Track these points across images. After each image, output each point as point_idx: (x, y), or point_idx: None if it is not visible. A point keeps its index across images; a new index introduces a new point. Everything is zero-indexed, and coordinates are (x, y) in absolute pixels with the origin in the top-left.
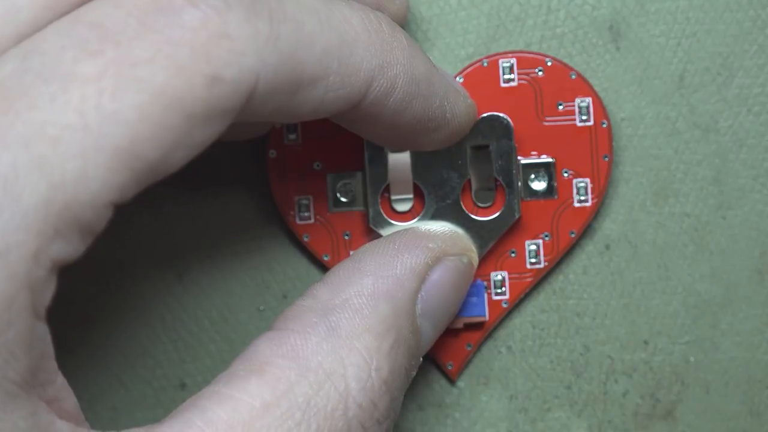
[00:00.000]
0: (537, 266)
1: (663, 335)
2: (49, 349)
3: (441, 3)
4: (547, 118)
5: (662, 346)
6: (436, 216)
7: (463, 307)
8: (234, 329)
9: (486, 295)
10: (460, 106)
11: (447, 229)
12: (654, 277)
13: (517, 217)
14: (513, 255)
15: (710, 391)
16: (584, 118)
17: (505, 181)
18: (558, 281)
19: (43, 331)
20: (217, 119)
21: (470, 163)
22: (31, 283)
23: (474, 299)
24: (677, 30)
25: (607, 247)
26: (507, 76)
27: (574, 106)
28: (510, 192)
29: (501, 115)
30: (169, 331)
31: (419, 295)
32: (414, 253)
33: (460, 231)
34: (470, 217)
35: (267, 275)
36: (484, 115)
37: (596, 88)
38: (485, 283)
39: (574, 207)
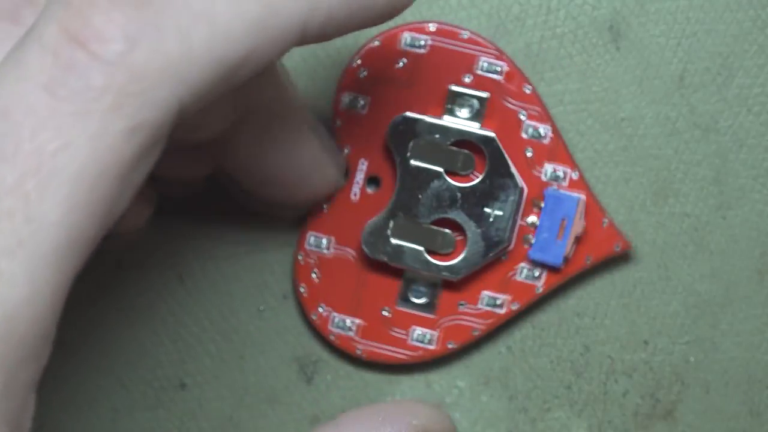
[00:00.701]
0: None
1: (663, 335)
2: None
3: (441, 3)
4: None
5: (662, 346)
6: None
7: (543, 248)
8: (234, 329)
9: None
10: (332, 166)
11: (431, 406)
12: (654, 277)
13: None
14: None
15: (710, 391)
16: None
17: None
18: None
19: None
20: (144, 161)
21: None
22: None
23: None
24: (677, 30)
25: None
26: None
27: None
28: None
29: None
30: (169, 331)
31: None
32: (397, 428)
33: (441, 410)
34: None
35: (267, 275)
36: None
37: (596, 88)
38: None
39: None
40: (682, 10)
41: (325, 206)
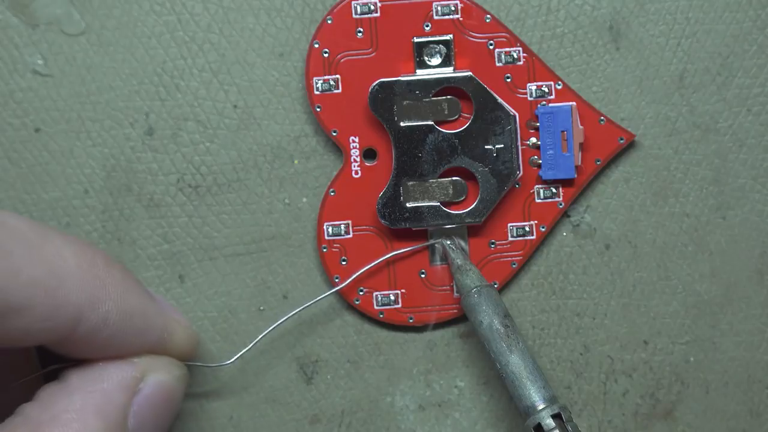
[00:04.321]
0: None
1: (663, 335)
2: None
3: None
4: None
5: (662, 346)
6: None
7: (553, 165)
8: (234, 329)
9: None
10: (180, 335)
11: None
12: (654, 277)
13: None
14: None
15: (710, 391)
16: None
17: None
18: (558, 281)
19: None
20: None
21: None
22: None
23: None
24: (677, 30)
25: (607, 247)
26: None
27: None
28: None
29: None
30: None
31: (131, 410)
32: (121, 366)
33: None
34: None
35: (267, 275)
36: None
37: (596, 89)
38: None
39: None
40: (682, 10)
41: (332, 191)
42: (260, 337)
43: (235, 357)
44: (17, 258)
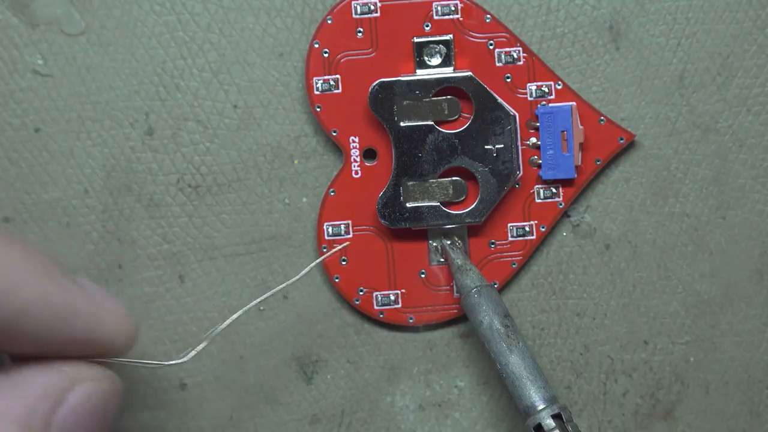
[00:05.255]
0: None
1: (663, 335)
2: None
3: None
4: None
5: (662, 346)
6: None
7: (553, 165)
8: (234, 329)
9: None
10: (112, 324)
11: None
12: (654, 277)
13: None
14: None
15: (710, 391)
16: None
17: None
18: (558, 281)
19: None
20: None
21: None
22: None
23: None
24: (677, 30)
25: (607, 247)
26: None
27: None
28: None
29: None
30: (169, 331)
31: (55, 418)
32: (47, 374)
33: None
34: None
35: (267, 275)
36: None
37: (596, 89)
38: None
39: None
40: (682, 10)
41: (332, 191)
42: (218, 329)
43: (192, 352)
44: None
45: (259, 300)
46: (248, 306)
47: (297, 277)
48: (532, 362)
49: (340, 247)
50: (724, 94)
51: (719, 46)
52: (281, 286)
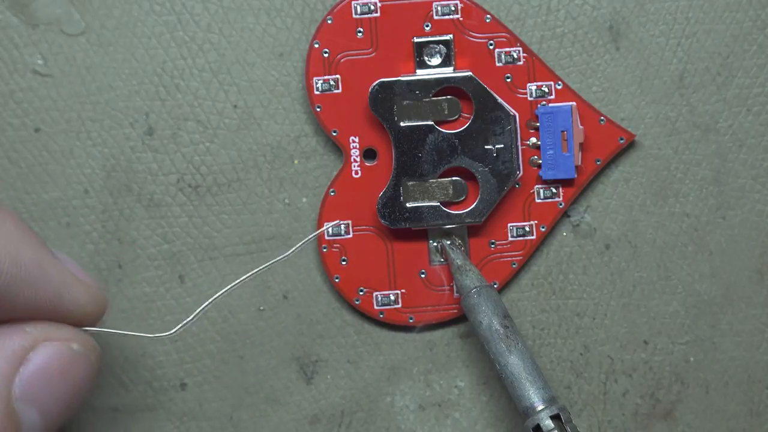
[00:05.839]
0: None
1: (663, 335)
2: None
3: None
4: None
5: (662, 346)
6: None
7: (553, 165)
8: (234, 329)
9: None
10: (81, 293)
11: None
12: (654, 277)
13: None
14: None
15: (710, 391)
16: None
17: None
18: (558, 281)
19: None
20: None
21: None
22: None
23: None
24: (677, 30)
25: (607, 247)
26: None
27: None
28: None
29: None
30: (169, 331)
31: (16, 379)
32: (8, 334)
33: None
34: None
35: (267, 275)
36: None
37: (596, 89)
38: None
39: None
40: (682, 10)
41: (332, 191)
42: (209, 303)
43: (179, 327)
44: None
45: (252, 273)
46: (242, 279)
47: (291, 251)
48: (531, 363)
49: (331, 224)
50: (724, 94)
51: (719, 46)
52: (274, 261)
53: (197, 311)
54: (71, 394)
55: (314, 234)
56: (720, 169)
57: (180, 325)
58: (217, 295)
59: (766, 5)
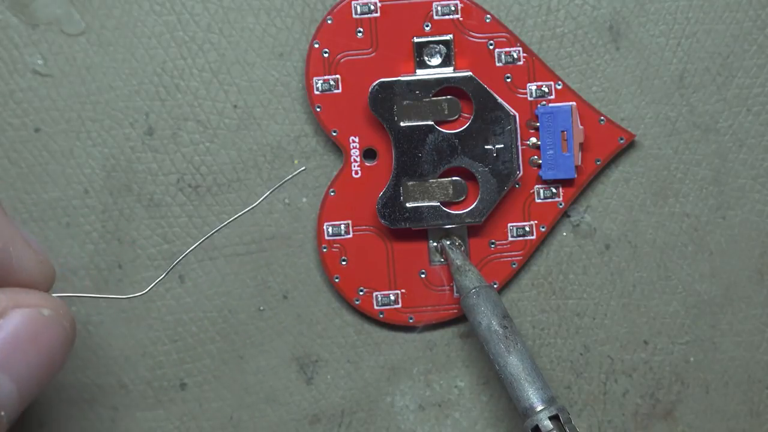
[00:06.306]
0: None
1: (663, 335)
2: None
3: None
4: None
5: (662, 346)
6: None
7: (553, 165)
8: (234, 329)
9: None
10: (29, 259)
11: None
12: (654, 277)
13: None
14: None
15: (710, 391)
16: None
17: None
18: (558, 281)
19: None
20: None
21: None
22: None
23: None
24: (677, 30)
25: (607, 247)
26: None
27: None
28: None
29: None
30: (169, 331)
31: None
32: None
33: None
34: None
35: (267, 275)
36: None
37: (596, 89)
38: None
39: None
40: (682, 10)
41: (332, 191)
42: (177, 261)
43: (151, 285)
44: None
45: (239, 215)
46: (221, 226)
47: (256, 203)
48: (530, 363)
49: (298, 171)
50: (724, 94)
51: (719, 46)
52: (252, 206)
53: (173, 264)
54: (45, 360)
55: (286, 179)
56: (720, 169)
57: (153, 284)
58: (198, 242)
59: (766, 5)
